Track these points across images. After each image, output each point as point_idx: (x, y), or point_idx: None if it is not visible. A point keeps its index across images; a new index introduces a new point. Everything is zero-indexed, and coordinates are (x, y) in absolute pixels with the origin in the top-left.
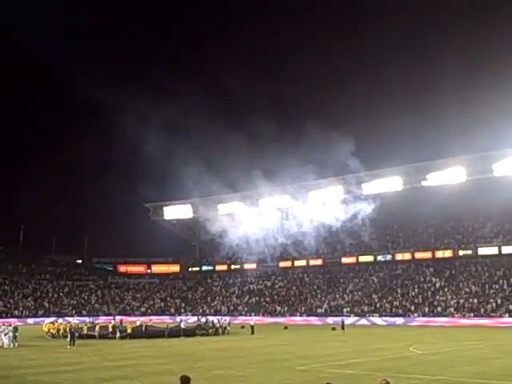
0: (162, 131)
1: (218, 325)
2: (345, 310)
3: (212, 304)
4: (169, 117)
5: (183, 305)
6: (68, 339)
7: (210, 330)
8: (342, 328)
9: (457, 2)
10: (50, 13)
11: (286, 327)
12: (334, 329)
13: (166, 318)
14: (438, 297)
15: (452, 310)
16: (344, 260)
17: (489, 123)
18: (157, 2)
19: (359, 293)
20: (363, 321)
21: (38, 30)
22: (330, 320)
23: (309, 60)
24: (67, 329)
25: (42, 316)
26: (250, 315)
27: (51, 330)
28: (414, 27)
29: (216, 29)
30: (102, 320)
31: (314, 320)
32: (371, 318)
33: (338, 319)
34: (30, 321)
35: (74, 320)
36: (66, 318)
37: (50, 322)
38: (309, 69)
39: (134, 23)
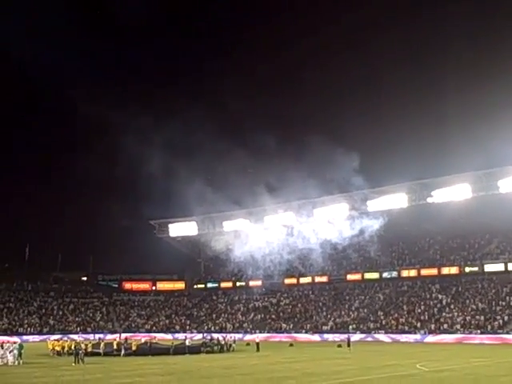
0: (166, 149)
1: (223, 342)
2: (350, 327)
3: (217, 321)
4: (172, 135)
5: (188, 322)
6: (73, 356)
7: (215, 348)
8: (348, 345)
9: (459, 14)
10: (51, 33)
11: (291, 344)
12: (339, 346)
13: (171, 336)
14: (444, 314)
15: (458, 326)
16: (349, 277)
17: (494, 140)
18: (157, 21)
19: (365, 310)
20: (369, 338)
21: (39, 50)
22: (335, 337)
23: (313, 76)
24: (72, 346)
25: (46, 333)
26: (256, 332)
27: (56, 348)
28: (417, 44)
29: (218, 47)
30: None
31: (319, 337)
32: (377, 335)
33: (344, 336)
34: (35, 338)
35: (79, 337)
36: (71, 336)
37: (55, 340)
38: (313, 85)
39: (135, 43)
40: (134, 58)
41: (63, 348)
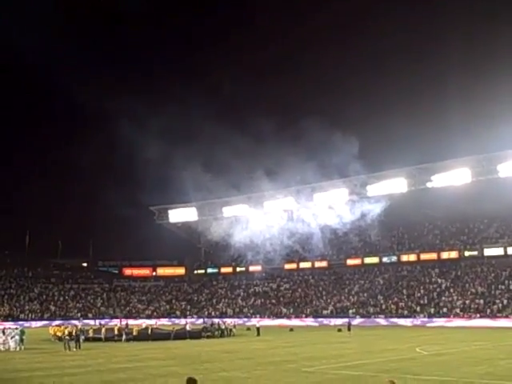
0: (165, 135)
1: (223, 327)
2: (350, 311)
3: (217, 306)
4: (170, 121)
5: (189, 307)
6: (74, 342)
7: (216, 332)
8: (348, 329)
9: (457, 4)
10: (48, 22)
11: (291, 329)
12: (339, 330)
13: (172, 321)
14: (443, 298)
15: (458, 310)
16: (349, 262)
17: (493, 124)
18: (155, 7)
19: (365, 294)
20: (369, 322)
21: (36, 38)
22: (336, 321)
23: (312, 60)
24: (73, 332)
25: (47, 319)
26: (256, 317)
27: (58, 333)
28: (417, 29)
29: (215, 31)
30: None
31: (319, 321)
32: (377, 319)
33: (344, 321)
34: (37, 324)
35: (79, 323)
36: (72, 322)
37: (57, 325)
38: (312, 69)
39: (132, 29)
40: (131, 44)
41: (64, 333)
